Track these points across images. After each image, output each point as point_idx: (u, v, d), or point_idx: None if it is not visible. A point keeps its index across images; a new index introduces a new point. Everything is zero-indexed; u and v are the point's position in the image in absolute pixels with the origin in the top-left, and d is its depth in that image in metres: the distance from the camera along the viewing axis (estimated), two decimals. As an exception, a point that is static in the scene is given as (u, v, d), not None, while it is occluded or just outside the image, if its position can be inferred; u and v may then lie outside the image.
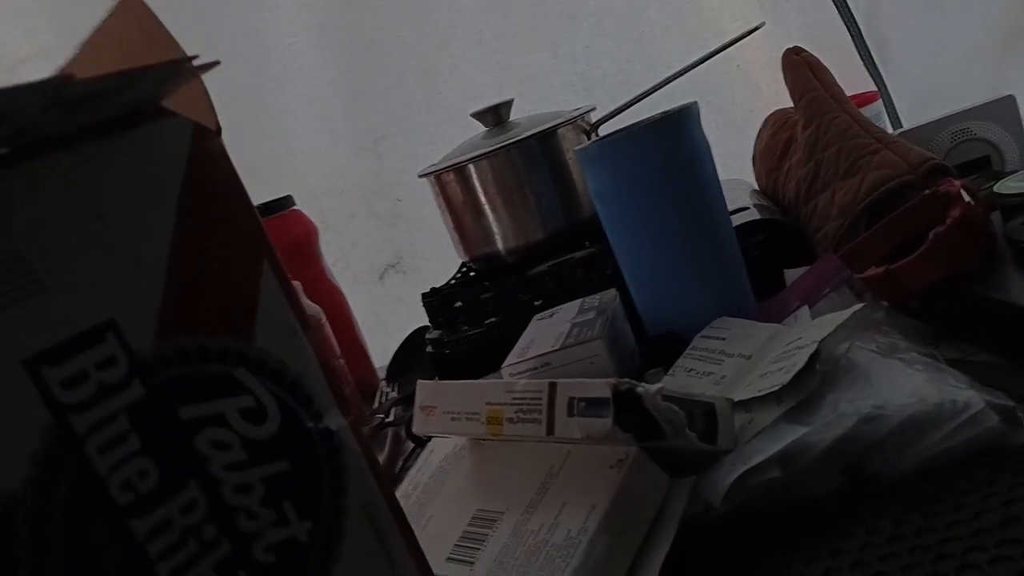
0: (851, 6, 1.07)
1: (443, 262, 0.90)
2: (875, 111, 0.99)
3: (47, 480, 0.21)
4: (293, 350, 0.26)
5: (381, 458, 0.63)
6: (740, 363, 0.48)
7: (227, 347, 0.25)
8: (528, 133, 0.77)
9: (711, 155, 0.59)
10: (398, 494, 0.48)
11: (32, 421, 0.21)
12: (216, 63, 0.25)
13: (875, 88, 1.07)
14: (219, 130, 0.26)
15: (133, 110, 0.25)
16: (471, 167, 0.78)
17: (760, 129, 0.86)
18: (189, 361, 0.24)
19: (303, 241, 0.86)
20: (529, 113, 0.84)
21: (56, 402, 0.21)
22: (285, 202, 0.85)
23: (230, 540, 0.24)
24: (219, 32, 1.04)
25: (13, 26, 1.06)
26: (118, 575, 0.22)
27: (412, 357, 0.84)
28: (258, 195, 0.91)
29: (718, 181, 0.60)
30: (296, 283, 0.74)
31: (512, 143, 0.76)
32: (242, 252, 0.26)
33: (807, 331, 0.46)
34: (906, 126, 0.84)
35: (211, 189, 0.25)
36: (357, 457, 0.27)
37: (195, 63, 0.23)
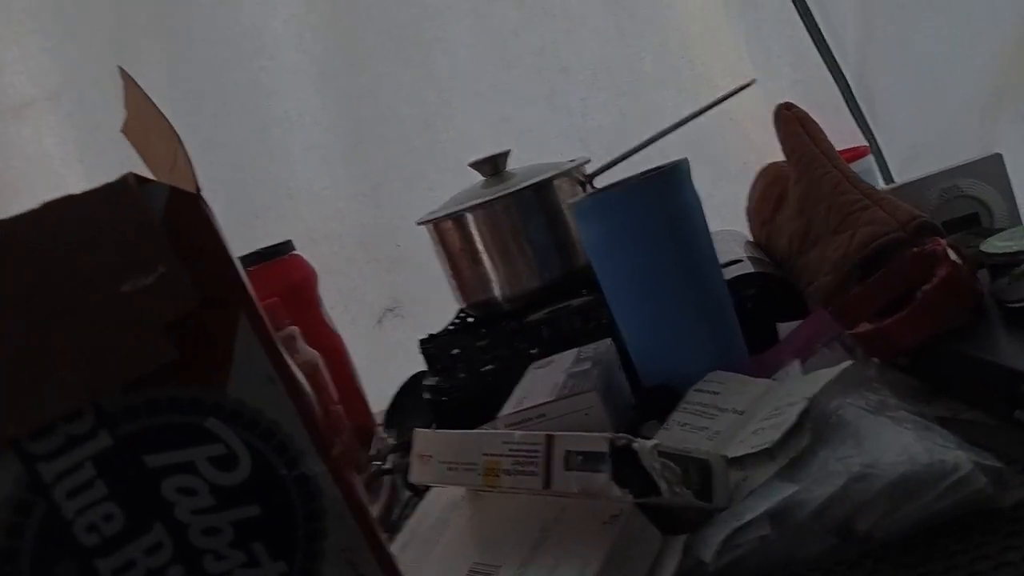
0: (840, 62, 1.10)
1: (441, 306, 0.91)
2: (866, 165, 1.01)
3: (16, 522, 0.23)
4: (269, 398, 0.27)
5: (378, 506, 0.63)
6: (733, 418, 0.49)
7: (199, 397, 0.26)
8: (525, 184, 0.78)
9: (702, 209, 0.61)
10: (396, 544, 0.48)
11: (5, 470, 0.23)
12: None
13: (866, 143, 1.10)
14: (198, 191, 0.27)
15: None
16: (469, 216, 0.79)
17: (754, 181, 0.88)
18: (158, 412, 0.25)
19: (302, 286, 0.87)
20: (526, 163, 0.85)
21: (25, 453, 0.24)
22: (284, 247, 0.86)
23: None
24: (222, 79, 1.07)
25: (18, 68, 1.08)
26: None
27: (410, 403, 0.84)
28: (259, 239, 0.91)
29: (709, 235, 0.61)
30: (294, 328, 0.75)
31: (509, 193, 0.78)
32: (218, 306, 0.27)
33: (798, 387, 0.47)
34: (897, 180, 0.86)
35: (187, 248, 0.26)
36: (336, 502, 0.28)
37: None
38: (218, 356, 0.26)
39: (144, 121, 0.32)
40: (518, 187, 0.78)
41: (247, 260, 0.82)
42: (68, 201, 0.25)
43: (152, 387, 0.25)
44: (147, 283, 0.25)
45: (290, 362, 0.30)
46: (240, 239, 0.29)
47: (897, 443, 0.39)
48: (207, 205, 0.27)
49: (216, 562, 0.26)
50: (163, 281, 0.25)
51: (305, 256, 0.90)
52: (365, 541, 0.29)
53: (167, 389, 0.26)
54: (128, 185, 0.25)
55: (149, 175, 0.30)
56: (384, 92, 1.11)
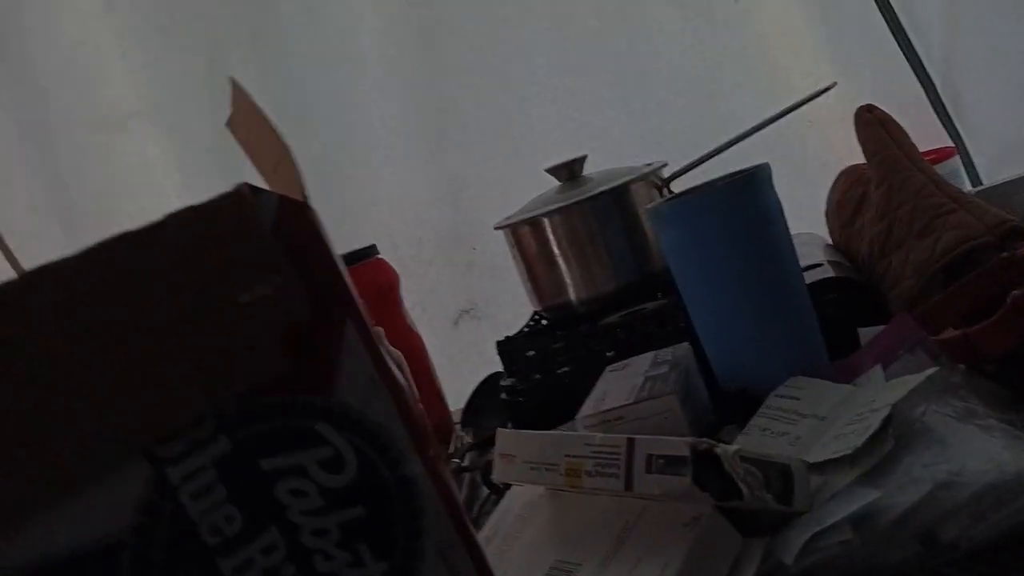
0: (925, 62, 1.07)
1: (516, 309, 0.93)
2: (952, 167, 0.98)
3: (148, 524, 0.25)
4: (373, 400, 0.28)
5: (457, 503, 0.65)
6: (814, 424, 0.49)
7: (310, 402, 0.27)
8: (601, 189, 0.79)
9: (783, 215, 0.61)
10: (478, 540, 0.50)
11: (136, 474, 0.25)
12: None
13: (951, 144, 1.07)
14: (306, 199, 0.28)
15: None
16: (545, 220, 0.80)
17: (833, 184, 0.86)
18: (273, 417, 0.26)
19: (385, 288, 0.90)
20: (602, 168, 0.86)
21: (155, 456, 0.25)
22: (369, 251, 0.89)
23: None
24: (310, 90, 1.11)
25: (122, 83, 1.14)
26: None
27: (485, 403, 0.86)
28: (345, 243, 0.95)
29: (790, 240, 0.61)
30: (379, 329, 0.77)
31: (585, 198, 0.79)
32: (327, 312, 0.27)
33: (881, 393, 0.47)
34: (985, 183, 0.83)
35: (297, 256, 0.27)
36: (433, 501, 0.29)
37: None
38: (327, 361, 0.27)
39: (250, 125, 0.34)
40: (594, 192, 0.79)
41: (334, 264, 0.85)
42: (188, 212, 0.26)
43: (267, 393, 0.26)
44: (265, 293, 0.26)
45: (391, 364, 0.31)
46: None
47: (984, 451, 0.39)
48: (315, 212, 0.28)
49: (325, 562, 0.27)
50: (280, 291, 0.26)
51: (387, 260, 0.93)
52: (460, 539, 0.29)
53: (281, 395, 0.26)
54: (243, 195, 0.26)
55: (251, 177, 0.30)
56: (465, 100, 1.14)
